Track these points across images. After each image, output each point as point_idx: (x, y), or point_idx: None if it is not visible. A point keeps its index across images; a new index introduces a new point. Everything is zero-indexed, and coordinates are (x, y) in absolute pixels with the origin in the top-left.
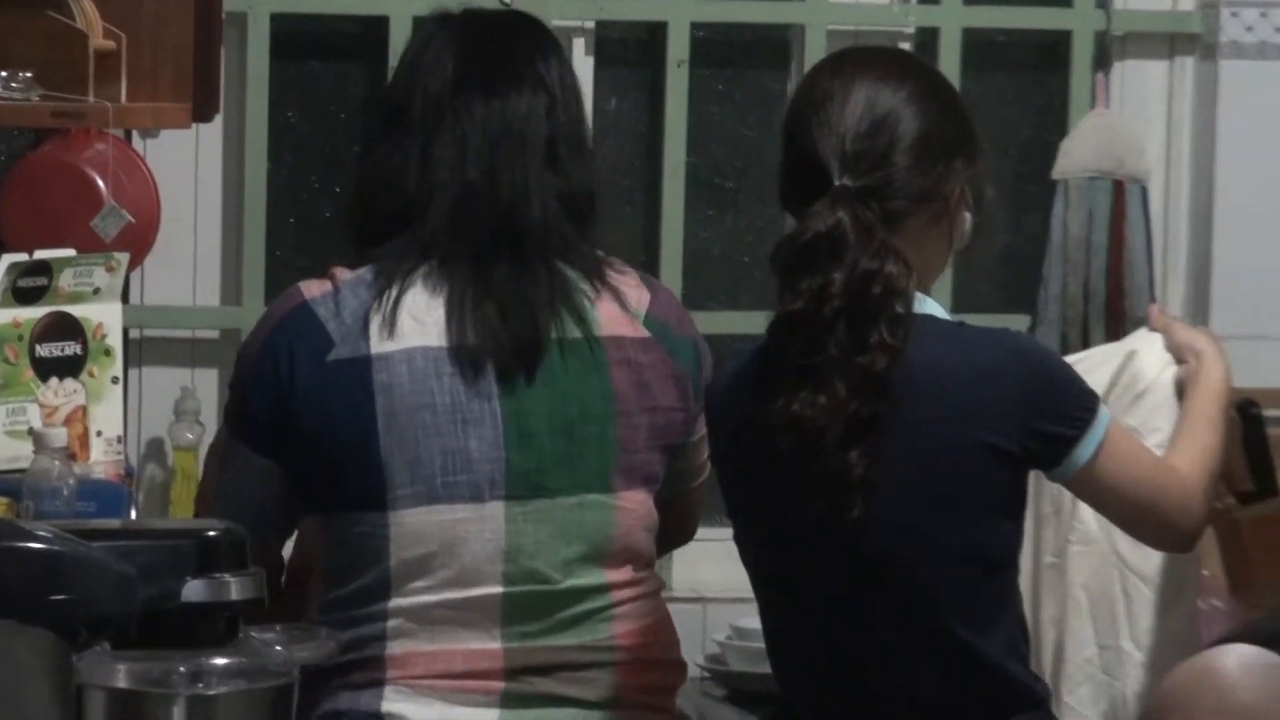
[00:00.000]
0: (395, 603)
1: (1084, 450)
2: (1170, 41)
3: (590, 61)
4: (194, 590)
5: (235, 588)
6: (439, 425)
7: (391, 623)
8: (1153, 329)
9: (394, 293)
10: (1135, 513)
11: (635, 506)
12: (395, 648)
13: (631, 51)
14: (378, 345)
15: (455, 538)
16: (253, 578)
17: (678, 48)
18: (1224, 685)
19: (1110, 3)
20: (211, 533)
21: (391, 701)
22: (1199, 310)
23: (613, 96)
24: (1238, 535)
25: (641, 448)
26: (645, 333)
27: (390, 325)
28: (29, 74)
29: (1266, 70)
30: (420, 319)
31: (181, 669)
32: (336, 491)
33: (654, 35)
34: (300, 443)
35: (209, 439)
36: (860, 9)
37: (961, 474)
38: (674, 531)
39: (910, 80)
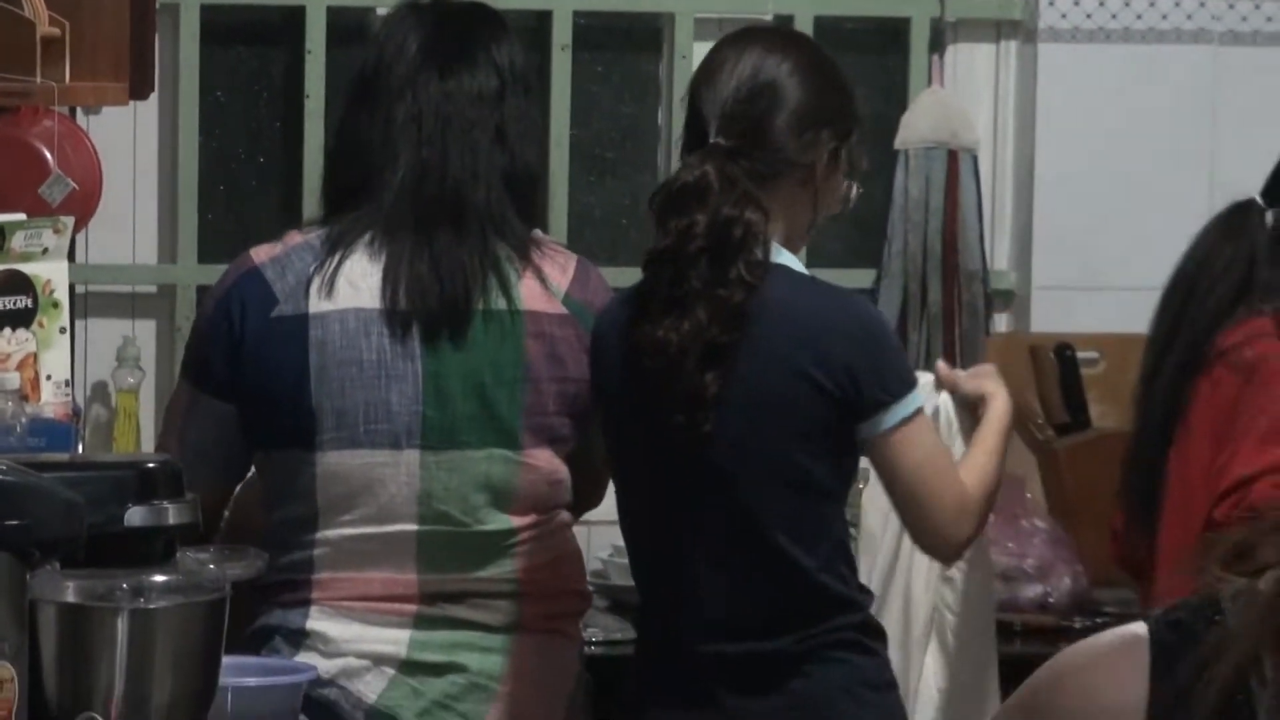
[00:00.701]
0: (322, 534)
1: (890, 417)
2: (996, 27)
3: None
4: (135, 515)
5: (172, 513)
6: (365, 379)
7: (318, 551)
8: (940, 388)
9: (336, 259)
10: (913, 501)
11: (540, 463)
12: (321, 574)
13: (521, 37)
14: (316, 305)
15: (374, 479)
16: (188, 505)
17: (562, 34)
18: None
19: None
20: (150, 465)
21: (315, 620)
22: (1022, 263)
23: None
24: (1055, 462)
25: (549, 412)
26: (563, 310)
27: (329, 287)
28: None
29: (1079, 52)
30: (356, 284)
31: (124, 586)
32: (275, 431)
33: (541, 22)
34: (248, 388)
35: (148, 382)
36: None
37: (787, 400)
38: (588, 493)
39: (794, 55)
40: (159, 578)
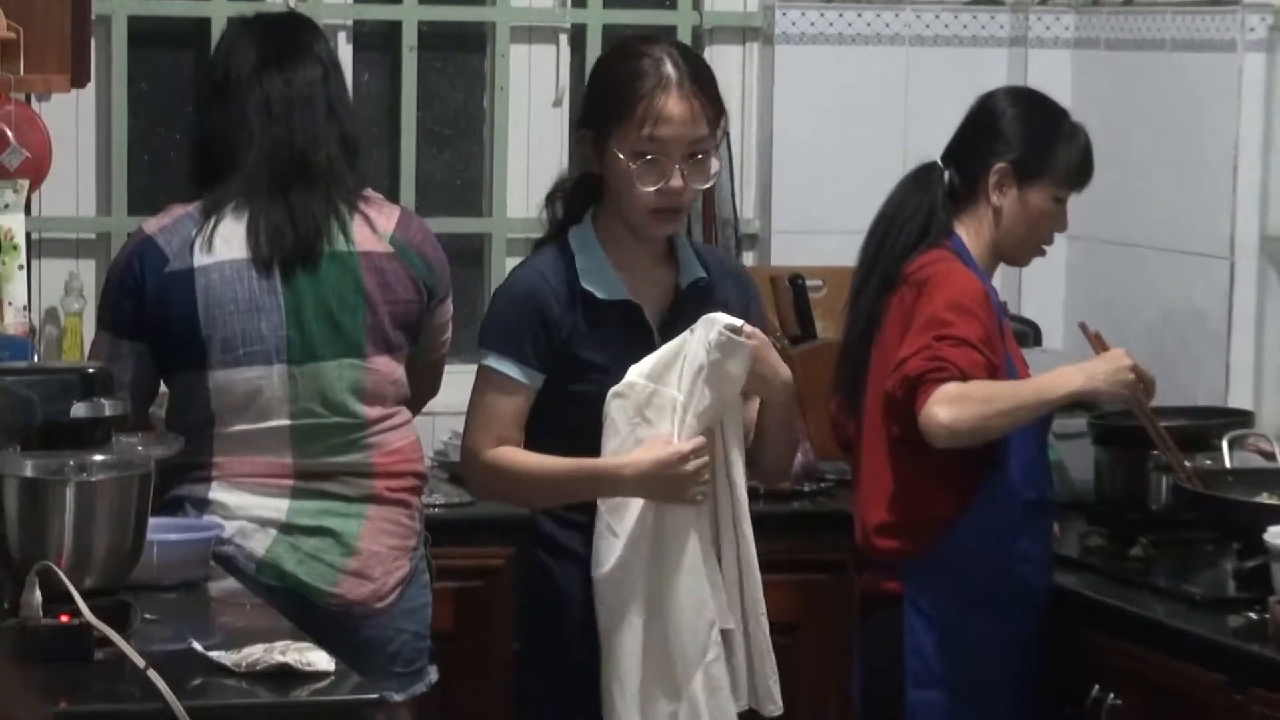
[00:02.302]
0: (217, 430)
1: None
2: (742, 33)
3: (350, 48)
4: (79, 409)
5: (109, 407)
6: (240, 313)
7: (215, 442)
8: (746, 340)
9: (211, 223)
10: None
11: (381, 367)
12: (218, 458)
13: (379, 40)
14: (199, 260)
15: (254, 389)
16: (120, 401)
17: (409, 38)
18: None
19: (702, 4)
20: (90, 370)
21: (215, 491)
22: (763, 213)
23: (365, 72)
24: (790, 365)
25: (386, 327)
26: (390, 249)
27: (208, 245)
28: None
29: (806, 52)
30: (229, 240)
31: (71, 463)
32: (176, 359)
33: (392, 29)
34: (153, 329)
35: (89, 309)
36: (532, 11)
37: None
38: (426, 389)
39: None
40: (98, 457)
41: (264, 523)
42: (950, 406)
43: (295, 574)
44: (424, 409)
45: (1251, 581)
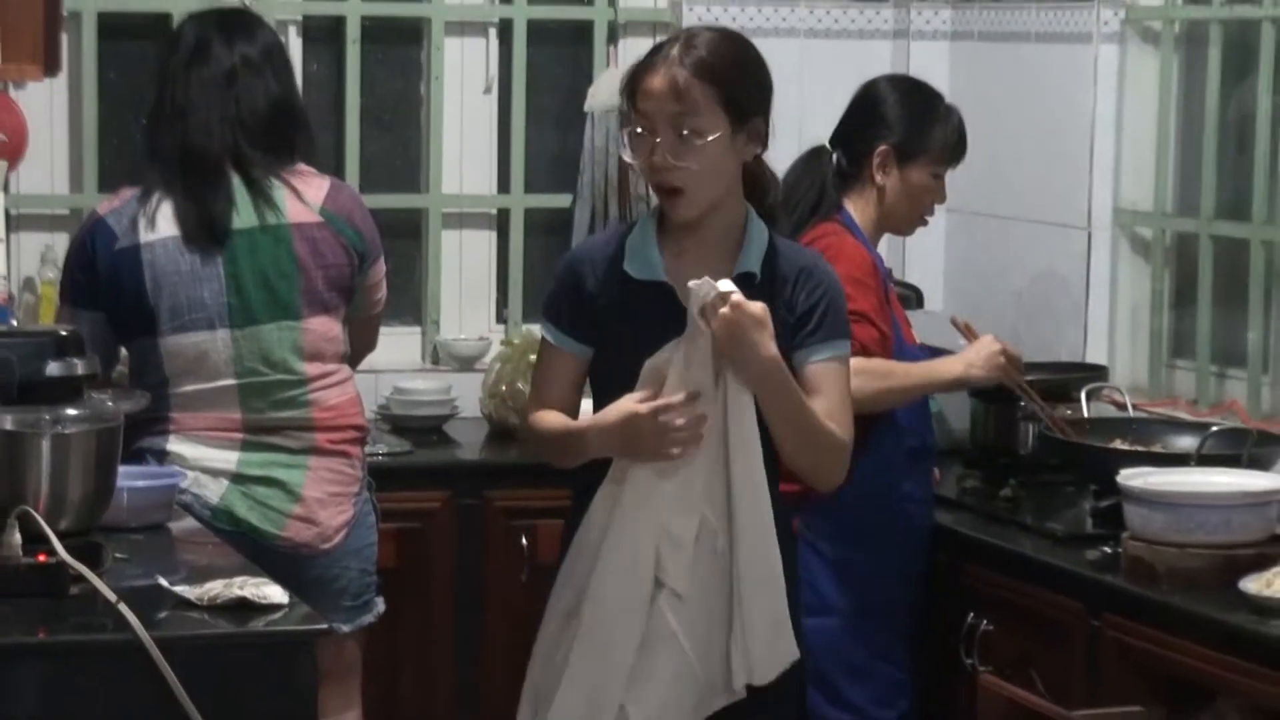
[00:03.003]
0: (172, 390)
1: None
2: (653, 26)
3: (300, 40)
4: (54, 368)
5: (81, 366)
6: (183, 283)
7: (172, 401)
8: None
9: (152, 203)
10: None
11: (317, 327)
12: (175, 414)
13: (326, 34)
14: (144, 237)
15: (201, 352)
16: (90, 360)
17: (353, 31)
18: None
19: (617, 2)
20: (64, 333)
21: (173, 444)
22: None
23: (314, 63)
24: None
25: (320, 290)
26: (320, 219)
27: (151, 224)
28: None
29: None
30: (167, 218)
31: (47, 417)
32: (130, 327)
33: (338, 24)
34: (107, 299)
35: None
36: (464, 7)
37: None
38: (364, 343)
39: None
40: (71, 411)
41: (216, 473)
42: (854, 379)
43: (247, 519)
44: (366, 366)
45: (1107, 519)
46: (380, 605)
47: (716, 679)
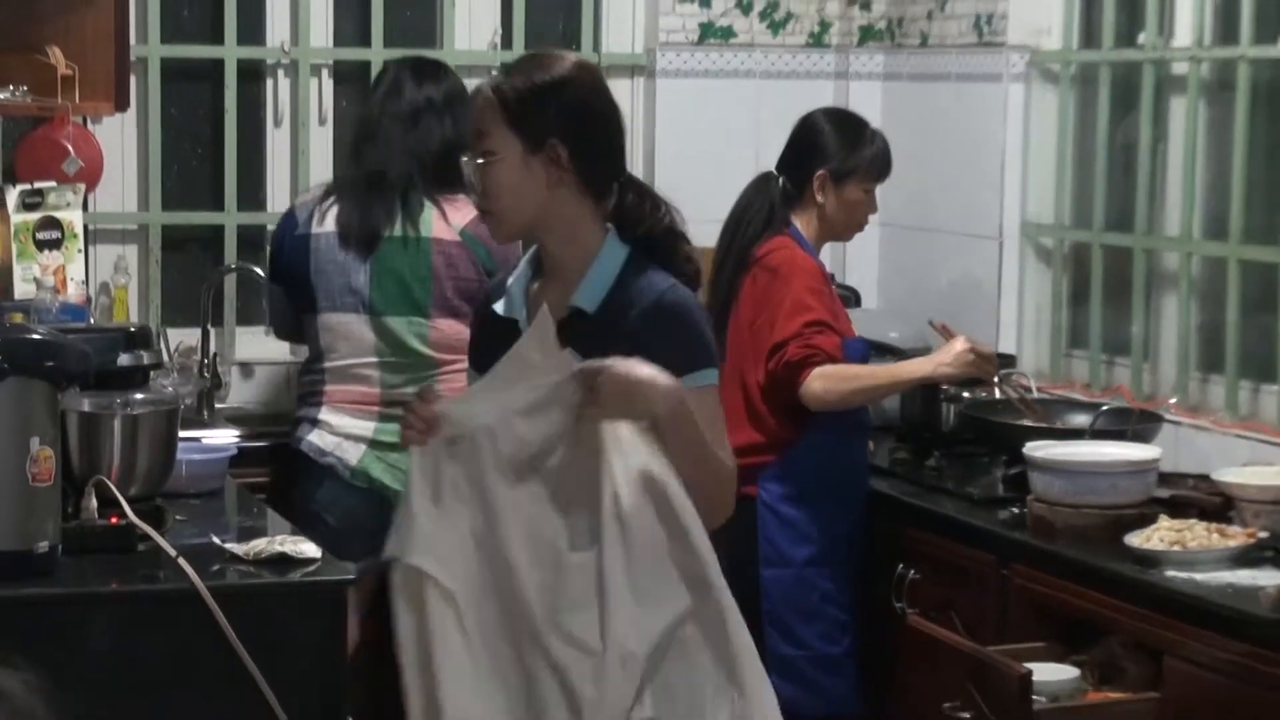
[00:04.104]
0: (325, 364)
1: None
2: (631, 69)
3: (331, 82)
4: (124, 359)
5: (147, 357)
6: (338, 272)
7: (326, 374)
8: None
9: (328, 202)
10: None
11: (444, 326)
12: (327, 387)
13: (353, 75)
14: (314, 229)
15: (349, 331)
16: (155, 352)
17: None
18: None
19: (600, 47)
20: (133, 329)
21: (324, 412)
22: None
23: (343, 100)
24: None
25: (449, 296)
26: (458, 238)
27: (321, 219)
28: (25, 87)
29: (680, 85)
30: (333, 217)
31: (118, 400)
32: (299, 303)
33: (364, 67)
34: (285, 276)
35: (132, 283)
36: (470, 53)
37: None
38: None
39: None
40: (139, 396)
41: (357, 439)
42: (824, 383)
43: (380, 479)
44: None
45: (1015, 484)
46: None
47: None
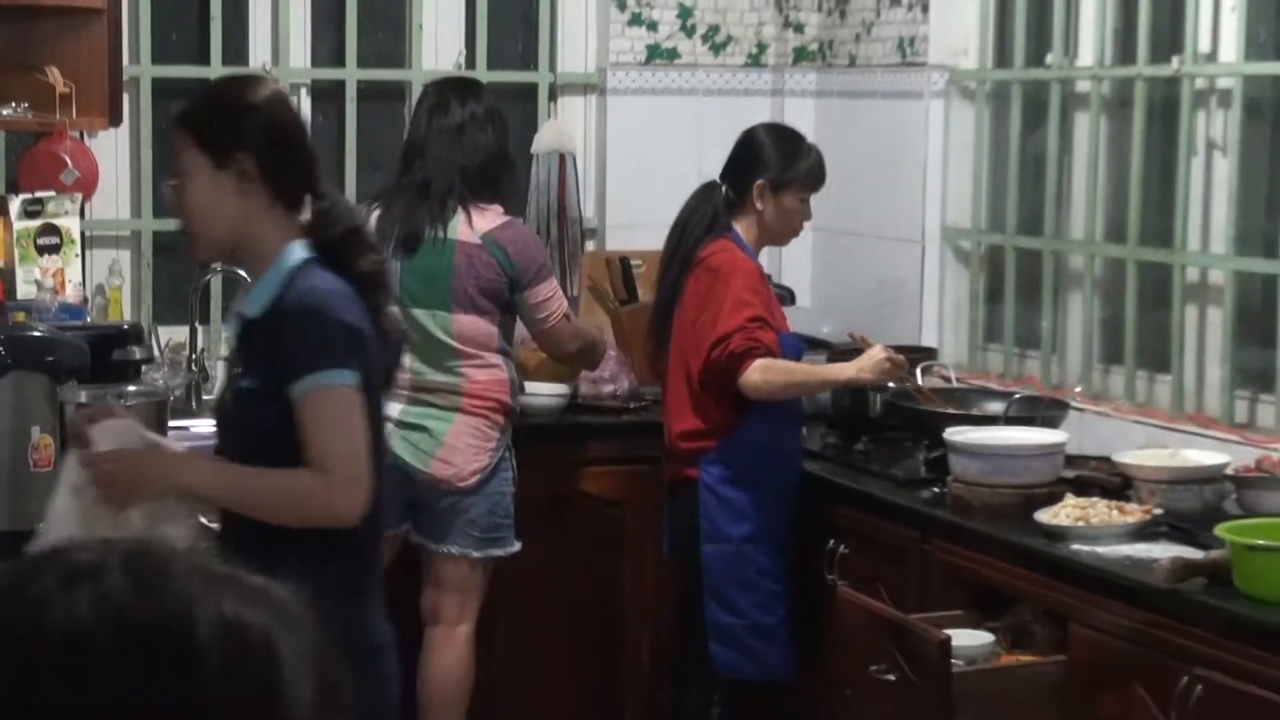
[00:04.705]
0: None
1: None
2: (584, 88)
3: (309, 99)
4: (117, 354)
5: (138, 352)
6: None
7: None
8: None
9: (370, 210)
10: None
11: (466, 321)
12: None
13: (329, 93)
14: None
15: None
16: (146, 347)
17: (351, 91)
18: None
19: (556, 67)
20: (125, 326)
21: None
22: (600, 213)
23: (320, 116)
24: (619, 321)
25: (471, 293)
26: (480, 242)
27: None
28: (26, 104)
29: (628, 102)
30: (373, 220)
31: (113, 392)
32: None
33: (339, 85)
34: None
35: (126, 285)
36: (437, 73)
37: None
38: (555, 353)
39: None
40: (130, 388)
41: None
42: (763, 374)
43: (402, 456)
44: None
45: (936, 467)
46: (515, 545)
47: None
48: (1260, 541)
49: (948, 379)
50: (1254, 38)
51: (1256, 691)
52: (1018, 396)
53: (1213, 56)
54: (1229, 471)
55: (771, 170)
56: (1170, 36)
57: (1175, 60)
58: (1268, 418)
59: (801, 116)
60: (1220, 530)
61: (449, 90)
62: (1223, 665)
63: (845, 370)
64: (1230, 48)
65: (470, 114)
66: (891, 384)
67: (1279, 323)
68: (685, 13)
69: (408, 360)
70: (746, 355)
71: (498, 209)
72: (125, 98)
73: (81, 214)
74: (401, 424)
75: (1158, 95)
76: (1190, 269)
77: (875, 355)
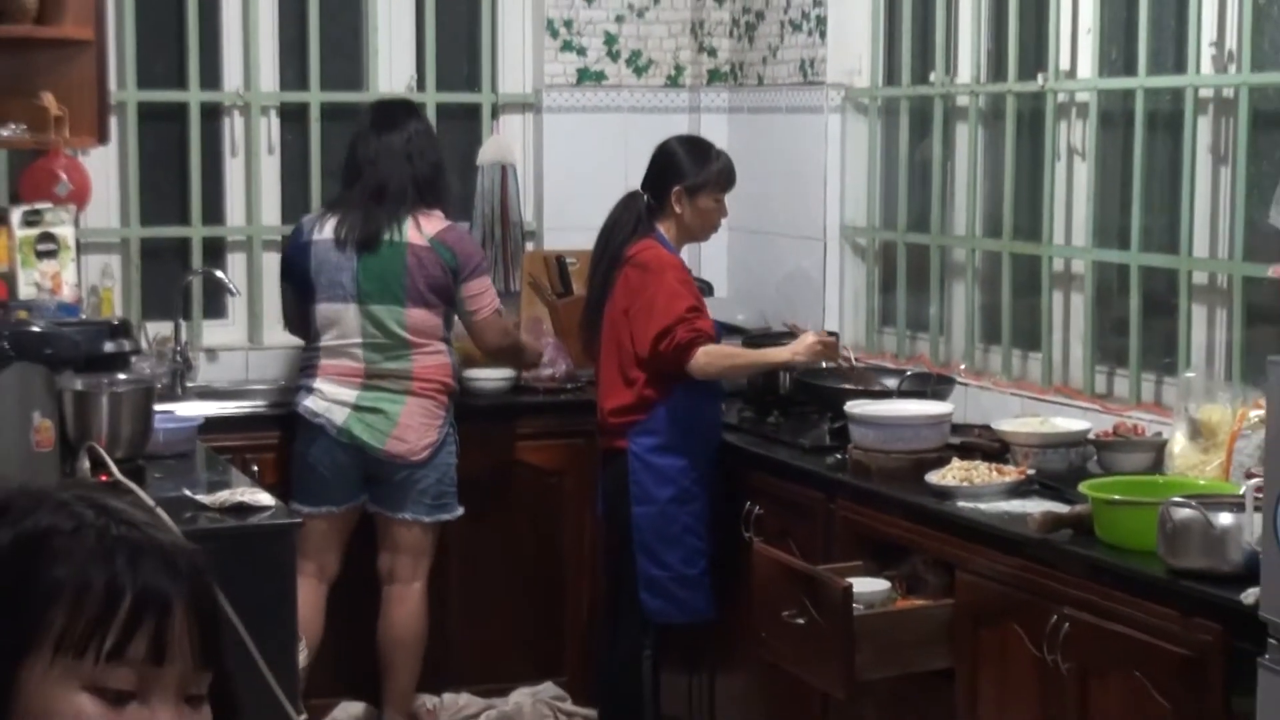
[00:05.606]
0: (320, 343)
1: None
2: (524, 106)
3: (278, 120)
4: (109, 347)
5: (128, 344)
6: (331, 269)
7: (320, 351)
8: None
9: (324, 217)
10: None
11: (416, 314)
12: (321, 362)
13: (296, 115)
14: (314, 236)
15: (340, 317)
16: (134, 340)
17: (315, 112)
18: None
19: (498, 88)
20: (115, 322)
21: (318, 382)
22: (538, 217)
23: (288, 134)
24: (557, 311)
25: (421, 289)
26: (427, 244)
27: (320, 228)
28: (23, 126)
29: (563, 119)
30: (327, 227)
31: (105, 380)
32: (303, 296)
33: (304, 108)
34: (292, 274)
35: (116, 286)
36: (390, 96)
37: None
38: (482, 344)
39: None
40: (121, 376)
41: (343, 404)
42: (707, 359)
43: (361, 437)
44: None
45: (838, 436)
46: (459, 510)
47: None
48: (1117, 497)
49: (848, 359)
50: (1106, 56)
51: (1115, 627)
52: (910, 373)
53: (1072, 73)
54: (1091, 436)
55: (686, 177)
56: (1035, 56)
57: (1040, 77)
58: (1123, 389)
59: (715, 130)
60: (1084, 487)
61: (395, 109)
62: (1087, 605)
63: (781, 354)
64: (1087, 66)
65: (415, 130)
66: (825, 363)
67: (1131, 306)
68: (611, 40)
69: (360, 351)
70: (692, 345)
71: (439, 214)
72: (113, 119)
73: (76, 223)
74: (358, 408)
75: (1026, 108)
76: (1056, 260)
77: (807, 340)
